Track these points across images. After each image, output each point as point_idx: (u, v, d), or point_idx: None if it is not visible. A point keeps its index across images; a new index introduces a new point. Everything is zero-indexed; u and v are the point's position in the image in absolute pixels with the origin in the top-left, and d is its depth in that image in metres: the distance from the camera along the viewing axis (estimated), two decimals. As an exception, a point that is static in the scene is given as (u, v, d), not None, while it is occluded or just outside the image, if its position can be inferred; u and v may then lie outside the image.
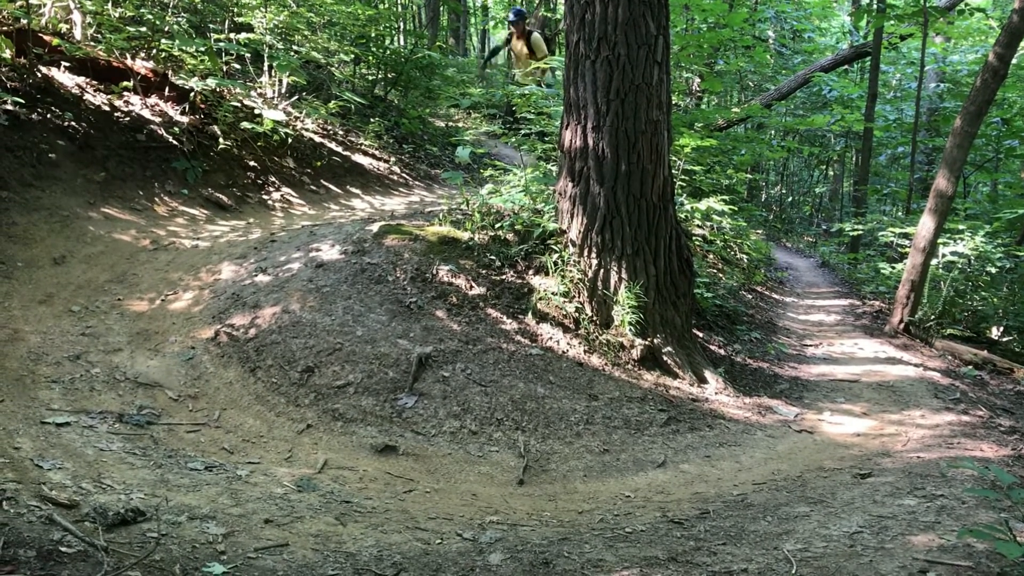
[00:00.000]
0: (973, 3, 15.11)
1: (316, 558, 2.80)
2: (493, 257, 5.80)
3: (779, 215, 22.29)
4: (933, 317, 8.61)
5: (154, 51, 8.20)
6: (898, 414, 5.59)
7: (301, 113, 9.54)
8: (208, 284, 5.55)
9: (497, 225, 6.07)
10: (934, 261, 8.74)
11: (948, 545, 2.99)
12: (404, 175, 10.59)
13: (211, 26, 9.60)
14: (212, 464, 3.63)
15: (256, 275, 5.55)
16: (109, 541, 2.63)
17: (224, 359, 4.74)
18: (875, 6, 15.96)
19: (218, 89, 8.04)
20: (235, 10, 9.31)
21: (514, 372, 4.90)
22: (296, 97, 9.74)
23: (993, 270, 9.20)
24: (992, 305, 9.50)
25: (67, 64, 7.07)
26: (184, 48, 8.18)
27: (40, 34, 7.02)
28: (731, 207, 10.28)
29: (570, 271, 5.68)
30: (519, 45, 11.53)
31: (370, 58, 13.25)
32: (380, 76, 13.54)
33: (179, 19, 8.80)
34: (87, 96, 6.98)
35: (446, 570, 2.83)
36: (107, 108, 7.04)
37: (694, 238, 9.65)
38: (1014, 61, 9.29)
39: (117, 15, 8.07)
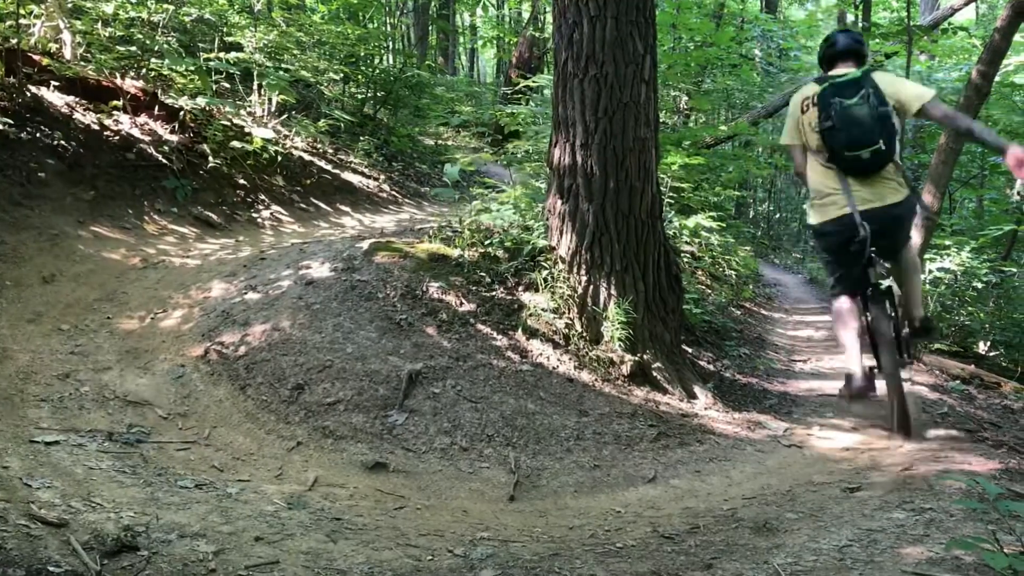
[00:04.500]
0: (957, 22, 15.30)
1: (307, 575, 2.79)
2: (483, 274, 5.81)
3: (767, 232, 22.43)
4: (920, 332, 8.65)
5: (144, 70, 8.23)
6: (887, 428, 5.61)
7: (291, 131, 9.57)
8: (198, 302, 5.54)
9: (487, 242, 6.09)
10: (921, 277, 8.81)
11: (937, 557, 3.00)
12: (394, 192, 10.64)
13: (201, 45, 9.64)
14: (202, 482, 3.61)
15: (246, 293, 5.54)
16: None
17: (214, 377, 4.72)
18: (860, 25, 16.15)
19: (208, 108, 8.07)
20: (225, 30, 9.36)
21: (504, 388, 4.91)
22: (286, 115, 9.78)
23: (980, 285, 9.28)
24: (979, 320, 9.57)
25: (57, 83, 7.08)
26: (174, 67, 8.21)
27: (30, 54, 7.03)
28: (719, 224, 10.35)
29: (560, 287, 5.70)
30: None
31: (359, 77, 13.34)
32: (370, 95, 13.62)
33: (169, 39, 8.83)
34: (77, 115, 6.99)
35: (437, 586, 2.83)
36: (97, 127, 7.05)
37: (683, 255, 9.70)
38: (997, 79, 9.40)
39: (107, 35, 8.10)
